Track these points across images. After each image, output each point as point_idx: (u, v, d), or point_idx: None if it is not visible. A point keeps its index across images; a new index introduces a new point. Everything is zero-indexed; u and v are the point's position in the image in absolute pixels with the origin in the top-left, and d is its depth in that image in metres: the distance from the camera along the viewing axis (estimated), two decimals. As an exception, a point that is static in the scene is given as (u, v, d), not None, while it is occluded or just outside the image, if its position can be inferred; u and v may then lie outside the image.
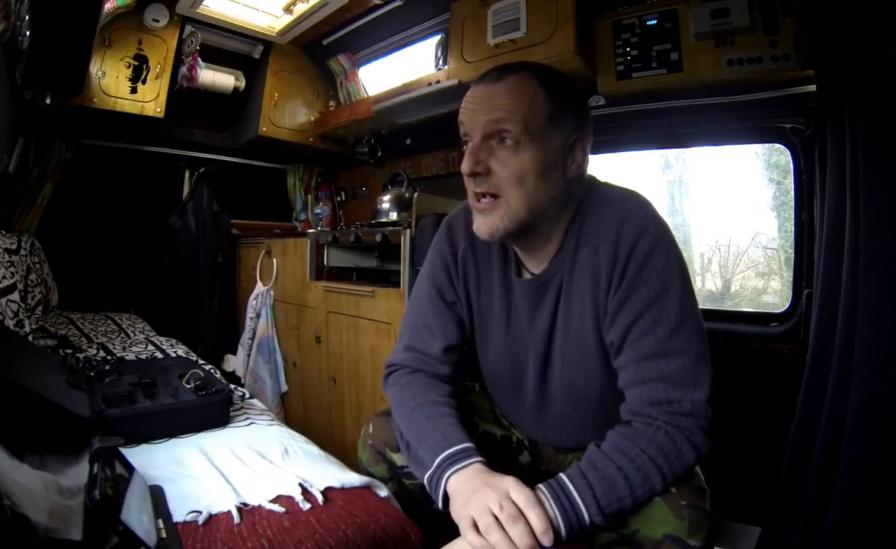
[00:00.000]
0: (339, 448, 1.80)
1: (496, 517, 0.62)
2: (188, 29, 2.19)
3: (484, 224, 0.75)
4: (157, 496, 0.77)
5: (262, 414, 1.24)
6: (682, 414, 0.69)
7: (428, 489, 0.73)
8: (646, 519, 0.68)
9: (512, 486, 0.65)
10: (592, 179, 0.82)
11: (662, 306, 0.71)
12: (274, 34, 2.37)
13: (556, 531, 0.63)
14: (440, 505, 0.71)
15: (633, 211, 0.75)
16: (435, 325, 0.88)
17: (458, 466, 0.70)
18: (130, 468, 0.74)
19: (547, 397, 0.86)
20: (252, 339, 2.36)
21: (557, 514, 0.64)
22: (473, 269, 0.88)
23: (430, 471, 0.72)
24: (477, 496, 0.65)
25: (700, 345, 0.71)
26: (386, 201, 2.10)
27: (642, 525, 0.68)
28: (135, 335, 1.99)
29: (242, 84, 2.51)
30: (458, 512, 0.66)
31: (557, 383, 0.83)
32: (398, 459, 0.86)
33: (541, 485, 0.67)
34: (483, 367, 0.93)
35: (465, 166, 0.73)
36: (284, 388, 2.29)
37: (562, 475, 0.68)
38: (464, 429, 0.76)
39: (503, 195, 0.73)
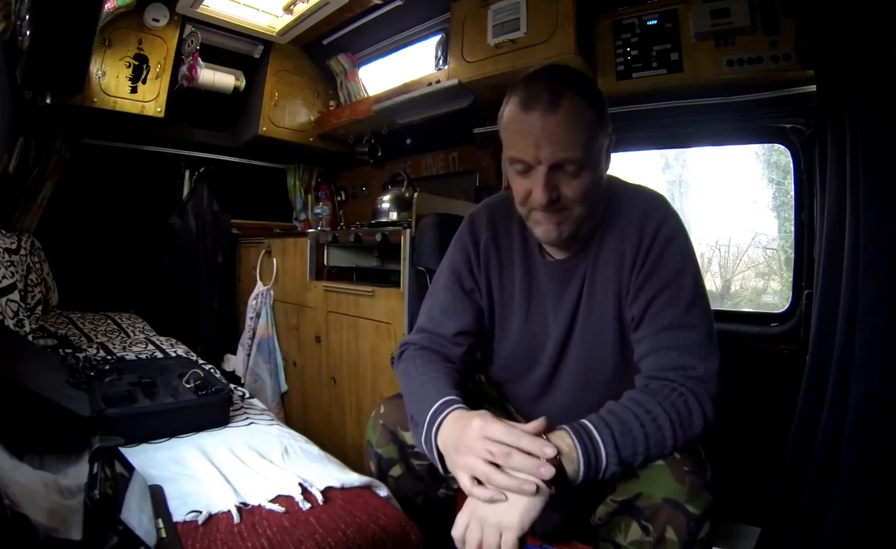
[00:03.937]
0: (339, 448, 1.80)
1: (490, 462, 0.64)
2: (188, 28, 2.19)
3: (555, 230, 0.79)
4: (157, 496, 0.77)
5: (262, 414, 1.24)
6: (695, 378, 0.73)
7: (428, 455, 0.75)
8: (649, 482, 0.69)
9: (486, 426, 0.66)
10: (608, 175, 0.87)
11: (680, 284, 0.77)
12: (274, 34, 2.37)
13: (574, 472, 0.65)
14: (440, 468, 0.73)
15: (655, 203, 0.83)
16: (451, 309, 0.92)
17: (440, 419, 0.73)
18: (130, 468, 0.74)
19: (556, 381, 0.90)
20: (252, 339, 2.36)
21: (579, 452, 0.66)
22: (496, 258, 0.92)
23: (423, 434, 0.75)
24: (460, 451, 0.67)
25: (710, 324, 0.78)
26: (386, 201, 2.10)
27: (645, 488, 0.70)
28: (135, 335, 1.99)
29: (242, 84, 2.51)
30: (453, 472, 0.69)
31: (571, 365, 0.88)
32: (409, 438, 0.87)
33: (565, 426, 0.69)
34: (497, 354, 0.96)
35: (542, 198, 0.76)
36: (284, 388, 2.29)
37: (584, 420, 0.70)
38: (452, 384, 0.79)
39: (569, 211, 0.78)
